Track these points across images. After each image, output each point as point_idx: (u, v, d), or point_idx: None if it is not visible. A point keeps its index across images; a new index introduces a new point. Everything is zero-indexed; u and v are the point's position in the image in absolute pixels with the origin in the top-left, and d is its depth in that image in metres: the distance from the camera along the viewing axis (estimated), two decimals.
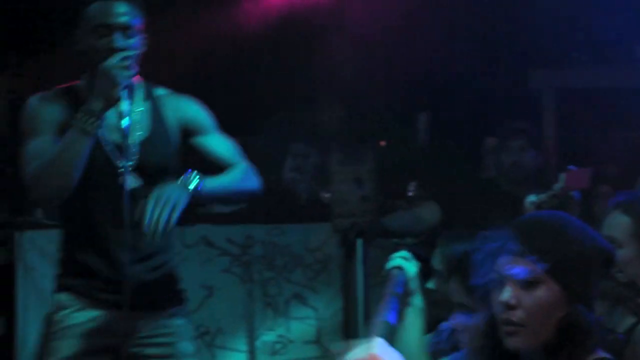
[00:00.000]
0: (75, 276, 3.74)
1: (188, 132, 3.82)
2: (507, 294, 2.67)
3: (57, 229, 6.65)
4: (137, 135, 3.70)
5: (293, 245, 6.93)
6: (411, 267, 3.93)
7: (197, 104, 3.89)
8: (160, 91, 3.88)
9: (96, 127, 3.46)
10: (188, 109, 3.84)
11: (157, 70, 3.93)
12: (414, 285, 3.69)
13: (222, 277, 6.86)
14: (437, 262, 3.73)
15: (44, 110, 3.62)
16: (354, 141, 7.24)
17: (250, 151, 4.20)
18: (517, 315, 2.66)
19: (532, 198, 4.67)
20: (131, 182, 3.62)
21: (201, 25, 7.49)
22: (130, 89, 3.63)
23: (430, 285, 3.75)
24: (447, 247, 3.77)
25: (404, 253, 4.11)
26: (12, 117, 8.32)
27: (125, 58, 3.52)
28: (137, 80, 3.72)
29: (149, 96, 3.81)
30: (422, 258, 4.22)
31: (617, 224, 3.75)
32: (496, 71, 7.58)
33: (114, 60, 3.50)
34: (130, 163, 3.63)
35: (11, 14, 7.79)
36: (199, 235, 6.67)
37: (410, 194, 7.03)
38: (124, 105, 3.54)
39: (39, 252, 6.61)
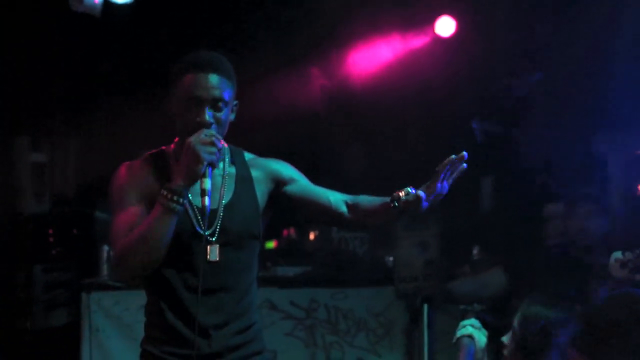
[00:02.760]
0: (157, 342, 3.74)
1: (280, 183, 3.81)
2: None
3: (123, 291, 6.81)
4: (223, 200, 3.72)
5: (356, 309, 6.91)
6: (481, 337, 3.92)
7: (285, 162, 3.89)
8: (247, 155, 3.90)
9: (181, 204, 3.48)
10: (277, 165, 3.83)
11: (242, 137, 3.94)
12: (483, 355, 3.67)
13: (286, 340, 6.86)
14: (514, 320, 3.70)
15: (133, 180, 3.64)
16: None
17: None
18: None
19: (617, 255, 4.62)
20: (213, 254, 3.63)
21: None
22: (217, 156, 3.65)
23: (504, 339, 3.72)
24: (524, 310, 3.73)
25: (473, 321, 4.10)
26: (82, 180, 8.48)
27: (211, 135, 3.54)
28: (223, 144, 3.74)
29: (235, 160, 3.82)
30: (491, 324, 4.20)
31: None
32: (560, 135, 7.55)
33: (201, 135, 3.52)
34: (210, 231, 3.64)
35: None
36: (263, 298, 6.68)
37: (474, 258, 7.01)
38: (207, 184, 3.56)
39: (105, 313, 6.67)
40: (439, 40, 8.14)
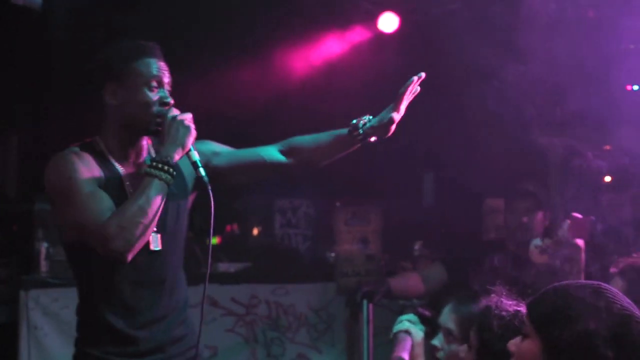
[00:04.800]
0: (97, 342, 3.70)
1: (206, 162, 3.78)
2: (512, 341, 2.75)
3: (62, 288, 6.73)
4: None
5: (297, 305, 6.91)
6: (418, 332, 3.92)
7: (203, 140, 3.87)
8: None
9: (174, 177, 3.48)
10: (196, 146, 3.81)
11: None
12: (420, 350, 3.68)
13: (227, 336, 6.84)
14: (445, 321, 3.71)
15: (85, 166, 3.61)
16: (359, 200, 7.22)
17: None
18: None
19: (536, 242, 4.68)
20: (155, 243, 3.61)
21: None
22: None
23: (436, 342, 3.73)
24: (460, 308, 3.74)
25: (411, 316, 4.11)
26: (21, 174, 8.38)
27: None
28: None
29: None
30: (429, 319, 4.21)
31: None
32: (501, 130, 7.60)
33: (174, 112, 3.53)
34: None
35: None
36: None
37: (415, 254, 7.04)
38: (195, 156, 3.55)
39: (43, 311, 6.60)
40: (381, 36, 8.14)
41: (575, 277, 4.46)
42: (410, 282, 5.92)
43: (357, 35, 8.25)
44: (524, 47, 7.35)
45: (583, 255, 4.46)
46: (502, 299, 3.55)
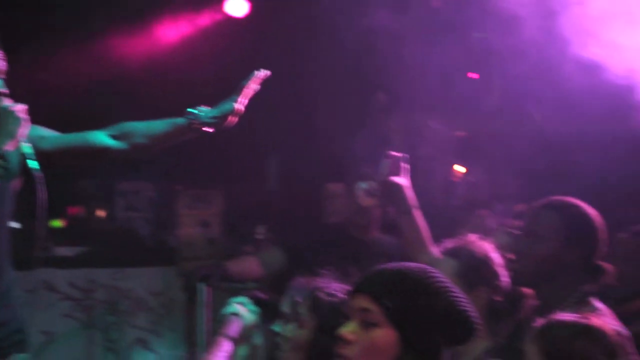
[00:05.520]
0: None
1: (34, 142, 3.70)
2: (347, 328, 2.71)
3: None
4: None
5: (136, 289, 6.82)
6: (250, 315, 3.90)
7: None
8: None
9: (5, 167, 3.37)
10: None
11: None
12: (250, 332, 3.67)
13: (64, 322, 6.70)
14: (286, 306, 3.70)
15: None
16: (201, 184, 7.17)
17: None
18: (350, 350, 2.69)
19: (363, 185, 4.70)
20: None
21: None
22: None
23: (277, 328, 3.71)
24: (295, 290, 3.74)
25: (242, 299, 4.08)
26: None
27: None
28: None
29: None
30: (265, 302, 4.19)
31: (446, 269, 3.84)
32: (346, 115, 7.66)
33: (6, 103, 3.42)
34: None
35: None
36: (40, 279, 6.50)
37: (258, 237, 7.02)
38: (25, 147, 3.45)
39: None
40: (230, 20, 8.08)
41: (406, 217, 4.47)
42: (248, 265, 5.89)
43: (205, 19, 8.18)
44: (371, 32, 7.43)
45: (408, 191, 4.46)
46: (332, 282, 3.57)
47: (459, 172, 9.63)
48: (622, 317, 4.34)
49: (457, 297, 2.71)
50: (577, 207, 3.93)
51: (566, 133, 8.14)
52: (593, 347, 2.80)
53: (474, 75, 8.99)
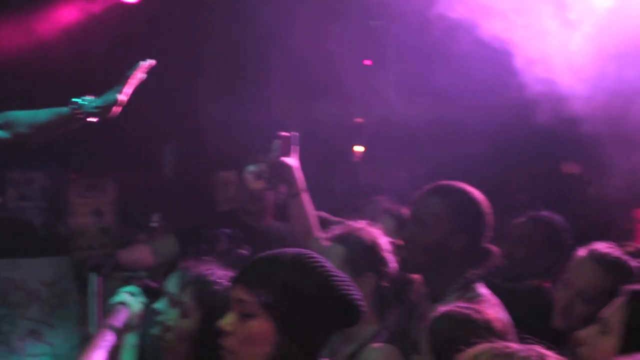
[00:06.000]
0: None
1: None
2: (225, 319, 2.71)
3: None
4: None
5: (28, 280, 6.70)
6: (136, 303, 3.87)
7: None
8: None
9: None
10: None
11: None
12: (138, 321, 3.64)
13: None
14: (171, 287, 3.68)
15: None
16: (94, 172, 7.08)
17: None
18: (229, 341, 2.69)
19: (251, 167, 4.68)
20: None
21: None
22: None
23: (159, 305, 3.69)
24: (182, 274, 3.71)
25: (132, 288, 4.05)
26: None
27: None
28: None
29: None
30: (156, 291, 4.16)
31: (334, 255, 3.86)
32: (241, 103, 7.64)
33: None
34: None
35: None
36: None
37: (153, 225, 6.96)
38: None
39: None
40: (123, 6, 7.97)
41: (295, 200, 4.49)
42: (140, 253, 5.85)
43: (97, 5, 8.05)
44: (269, 25, 7.42)
45: (298, 173, 4.47)
46: (218, 270, 3.57)
47: (357, 156, 9.71)
48: (517, 295, 4.48)
49: (339, 282, 2.72)
50: (463, 192, 3.96)
51: (462, 120, 8.27)
52: (473, 336, 2.86)
53: (368, 62, 9.07)
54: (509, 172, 8.29)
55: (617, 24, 5.08)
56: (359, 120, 9.32)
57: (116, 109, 3.64)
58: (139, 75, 3.70)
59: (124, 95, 3.65)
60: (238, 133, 7.21)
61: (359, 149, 9.58)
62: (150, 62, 3.66)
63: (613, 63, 5.01)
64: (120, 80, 3.67)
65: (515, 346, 2.18)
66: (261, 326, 2.66)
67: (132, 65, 3.79)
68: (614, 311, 2.74)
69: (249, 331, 2.68)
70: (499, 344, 2.20)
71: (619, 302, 2.75)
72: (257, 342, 2.67)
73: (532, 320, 3.73)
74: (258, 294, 2.67)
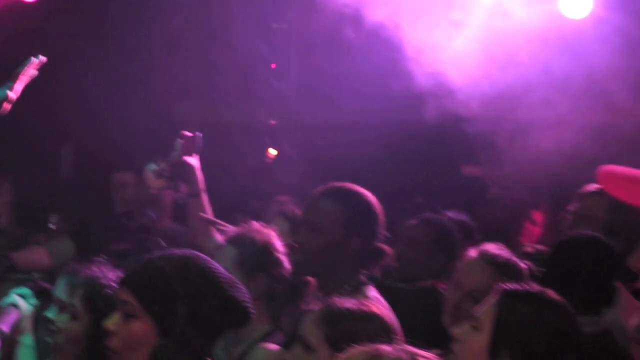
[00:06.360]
0: None
1: None
2: (111, 320, 2.75)
3: None
4: None
5: None
6: (27, 305, 3.84)
7: None
8: None
9: None
10: None
11: None
12: (28, 323, 3.61)
13: None
14: (60, 290, 3.64)
15: None
16: None
17: None
18: (114, 342, 2.72)
19: (152, 166, 4.67)
20: None
21: None
22: None
23: (50, 314, 3.65)
24: (72, 278, 3.68)
25: (24, 290, 4.02)
26: None
27: None
28: None
29: None
30: (50, 293, 4.13)
31: (227, 257, 3.88)
32: (140, 104, 7.60)
33: None
34: None
35: None
36: None
37: (51, 227, 6.88)
38: None
39: None
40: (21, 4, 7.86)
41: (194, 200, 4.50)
42: (35, 255, 5.77)
43: None
44: (173, 27, 7.42)
45: (198, 173, 4.47)
46: (109, 271, 3.56)
47: (270, 157, 9.73)
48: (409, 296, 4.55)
49: (224, 284, 2.75)
50: (356, 194, 3.98)
51: (360, 122, 8.37)
52: (368, 329, 2.90)
53: (273, 65, 9.12)
54: (407, 175, 8.40)
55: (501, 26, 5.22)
56: (269, 122, 9.36)
57: (6, 106, 3.59)
58: (30, 71, 3.65)
59: (13, 93, 3.60)
60: (136, 134, 7.19)
61: (271, 151, 9.60)
62: (41, 59, 3.61)
63: (499, 64, 5.14)
64: (10, 77, 3.62)
65: (386, 348, 2.23)
66: (142, 327, 2.69)
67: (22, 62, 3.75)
68: (486, 309, 2.80)
69: (131, 332, 2.70)
70: (371, 347, 2.24)
71: (491, 300, 2.81)
72: (138, 342, 2.69)
73: (424, 321, 3.81)
74: (139, 295, 2.69)
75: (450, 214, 6.07)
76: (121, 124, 7.30)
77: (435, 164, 8.77)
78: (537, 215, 6.46)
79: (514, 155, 5.87)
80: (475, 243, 4.24)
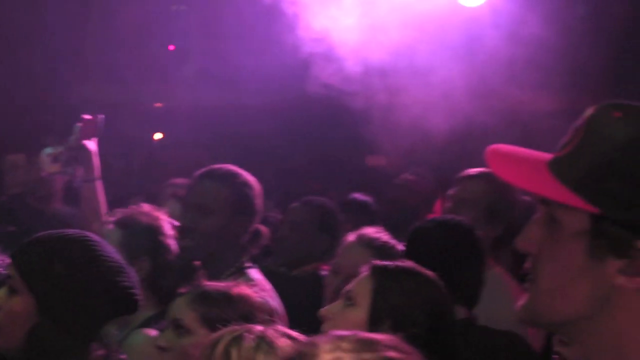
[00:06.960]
0: None
1: None
2: None
3: None
4: None
5: None
6: None
7: None
8: None
9: None
10: None
11: None
12: None
13: None
14: None
15: None
16: None
17: None
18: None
19: (48, 150, 4.58)
20: None
21: None
22: None
23: None
24: None
25: None
26: None
27: None
28: None
29: None
30: None
31: (112, 239, 3.84)
32: (35, 85, 7.48)
33: None
34: None
35: None
36: None
37: None
38: None
39: None
40: None
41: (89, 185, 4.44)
42: None
43: None
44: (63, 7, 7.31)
45: (95, 159, 4.41)
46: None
47: (156, 141, 9.68)
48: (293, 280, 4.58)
49: (110, 267, 2.73)
50: (237, 174, 3.99)
51: (259, 105, 8.36)
52: (242, 310, 2.90)
53: (171, 47, 9.06)
54: (304, 161, 8.42)
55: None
56: (158, 105, 9.30)
57: None
58: None
59: None
60: (28, 116, 7.08)
61: (157, 134, 9.55)
62: None
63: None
64: None
65: (255, 328, 2.25)
66: (23, 303, 2.68)
67: None
68: (359, 284, 2.82)
69: (12, 306, 2.68)
70: (240, 327, 2.26)
71: (363, 276, 2.83)
72: (18, 318, 2.67)
73: (307, 305, 3.83)
74: (21, 271, 2.67)
75: (357, 195, 6.12)
76: (13, 105, 7.18)
77: (338, 149, 8.81)
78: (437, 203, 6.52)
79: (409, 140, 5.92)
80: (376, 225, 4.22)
